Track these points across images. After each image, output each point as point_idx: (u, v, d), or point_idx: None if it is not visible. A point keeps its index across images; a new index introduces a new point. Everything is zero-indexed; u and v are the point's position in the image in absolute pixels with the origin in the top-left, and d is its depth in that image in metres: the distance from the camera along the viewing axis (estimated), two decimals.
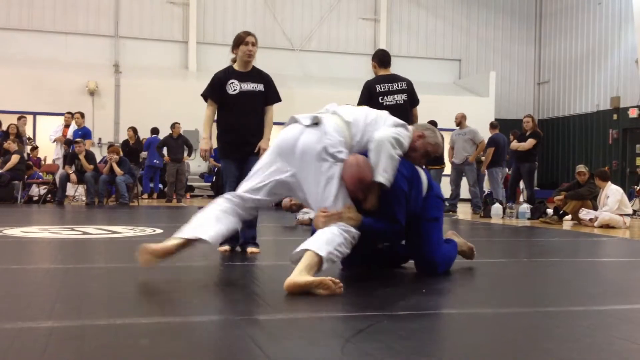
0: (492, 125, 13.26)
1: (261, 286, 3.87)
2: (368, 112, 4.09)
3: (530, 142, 11.67)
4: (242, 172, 5.15)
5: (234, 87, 5.29)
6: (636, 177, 17.13)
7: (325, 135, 3.85)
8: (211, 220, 3.92)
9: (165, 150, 14.89)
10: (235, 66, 5.42)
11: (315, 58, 20.91)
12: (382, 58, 6.88)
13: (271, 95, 5.47)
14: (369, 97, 6.65)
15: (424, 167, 4.31)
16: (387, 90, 6.67)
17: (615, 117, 19.61)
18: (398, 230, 3.94)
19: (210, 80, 5.42)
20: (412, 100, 6.80)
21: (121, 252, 5.52)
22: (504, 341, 2.70)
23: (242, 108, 5.30)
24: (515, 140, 12.28)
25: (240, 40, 5.36)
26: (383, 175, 3.78)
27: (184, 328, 2.74)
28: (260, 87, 5.39)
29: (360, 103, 6.71)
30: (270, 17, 20.56)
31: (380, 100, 6.63)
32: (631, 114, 18.83)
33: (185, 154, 14.92)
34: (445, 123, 12.93)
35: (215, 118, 5.42)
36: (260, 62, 19.46)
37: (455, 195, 12.68)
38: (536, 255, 6.30)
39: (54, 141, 14.83)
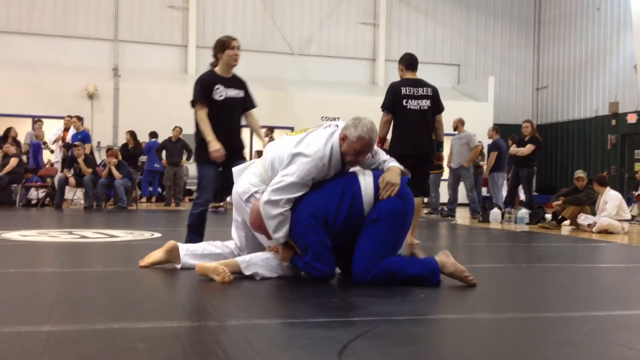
0: (495, 130, 13.30)
1: (258, 292, 3.86)
2: (282, 156, 4.05)
3: (529, 148, 11.68)
4: (226, 176, 5.12)
5: (220, 93, 5.27)
6: (635, 183, 17.14)
7: (239, 182, 4.25)
8: None
9: (163, 154, 14.89)
10: (218, 71, 5.37)
11: (315, 62, 20.94)
12: (409, 62, 6.91)
13: (249, 101, 5.51)
14: (394, 98, 6.67)
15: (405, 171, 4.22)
16: (411, 94, 6.69)
17: (613, 122, 19.64)
18: (311, 262, 3.90)
19: (197, 84, 5.31)
20: (436, 107, 6.82)
21: (119, 256, 5.52)
22: (503, 346, 2.71)
23: (227, 114, 5.31)
24: (514, 145, 12.29)
25: (226, 45, 5.29)
26: (275, 236, 3.96)
27: (182, 333, 2.74)
28: (241, 93, 5.42)
29: (386, 103, 6.74)
30: (269, 21, 20.59)
31: (404, 103, 6.65)
32: (630, 120, 18.85)
33: (185, 157, 14.91)
34: (444, 128, 12.92)
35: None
36: (260, 65, 19.59)
37: (453, 200, 12.70)
38: (535, 260, 6.30)
39: (54, 142, 14.83)
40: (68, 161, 13.26)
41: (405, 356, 2.45)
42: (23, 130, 15.83)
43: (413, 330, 2.94)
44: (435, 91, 6.84)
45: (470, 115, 13.70)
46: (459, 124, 12.76)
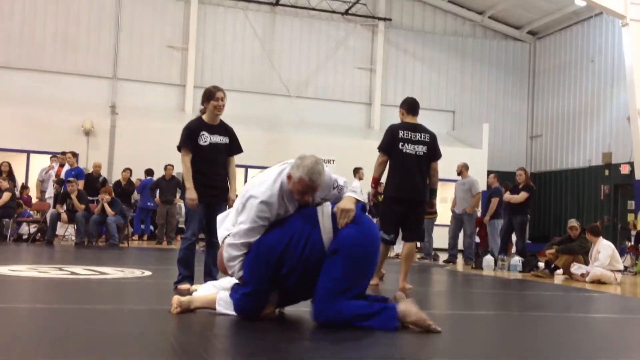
0: (496, 177, 13.29)
1: (247, 333, 3.82)
2: (239, 205, 4.17)
3: (522, 195, 11.71)
4: (208, 218, 5.65)
5: (205, 138, 5.66)
6: (627, 233, 17.16)
7: (220, 229, 4.42)
8: None
9: (157, 192, 14.86)
10: (205, 118, 5.75)
11: (311, 105, 21.10)
12: (410, 105, 6.98)
13: (235, 147, 5.88)
14: (391, 140, 6.72)
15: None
16: (409, 138, 6.74)
17: (607, 172, 19.75)
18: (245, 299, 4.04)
19: (184, 131, 5.70)
20: (433, 154, 6.85)
21: (109, 293, 5.46)
22: None
23: (212, 158, 5.69)
24: (507, 193, 12.33)
25: (211, 96, 5.68)
26: (236, 277, 4.12)
27: None
28: (226, 139, 5.79)
29: (383, 145, 6.79)
30: (267, 63, 20.80)
31: (400, 147, 6.70)
32: (623, 170, 18.96)
33: (178, 196, 14.87)
34: (439, 173, 12.99)
35: None
36: (257, 107, 19.70)
37: (453, 246, 12.66)
38: (527, 308, 6.27)
39: (46, 173, 14.77)
40: (61, 197, 13.22)
41: None
42: (18, 166, 15.83)
43: None
44: (433, 138, 6.88)
45: (465, 161, 13.74)
46: (463, 169, 12.81)
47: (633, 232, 15.69)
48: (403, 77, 22.14)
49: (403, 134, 6.74)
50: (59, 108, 17.91)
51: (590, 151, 20.53)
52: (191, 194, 5.53)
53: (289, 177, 4.05)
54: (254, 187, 4.10)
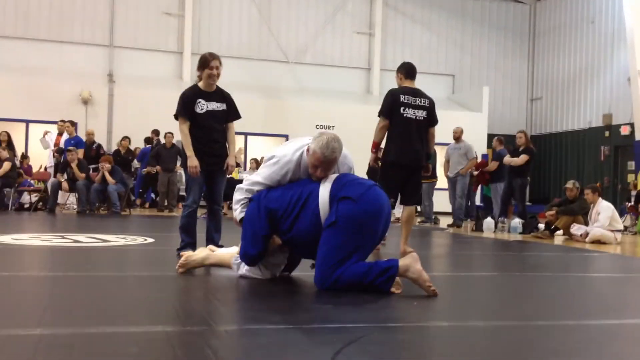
0: (500, 141, 13.34)
1: (251, 298, 3.85)
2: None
3: (522, 158, 11.71)
4: (208, 185, 5.74)
5: (202, 106, 5.64)
6: (627, 194, 17.20)
7: None
8: None
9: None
10: (201, 85, 5.73)
11: (310, 71, 20.97)
12: (408, 70, 6.94)
13: (232, 113, 5.85)
14: (392, 105, 6.69)
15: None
16: (409, 103, 6.72)
17: (607, 134, 19.72)
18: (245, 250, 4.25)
19: (180, 99, 5.69)
20: (431, 119, 6.85)
21: (112, 260, 5.50)
22: (495, 355, 2.70)
23: (209, 125, 5.67)
24: (508, 156, 12.33)
25: (206, 64, 5.64)
26: (237, 217, 4.39)
27: (174, 337, 2.73)
28: (223, 106, 5.76)
29: (384, 109, 6.76)
30: (265, 29, 20.62)
31: (402, 111, 6.67)
32: (623, 132, 18.93)
33: (179, 163, 14.88)
34: (438, 137, 12.99)
35: None
36: (256, 73, 19.58)
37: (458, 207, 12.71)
38: (528, 269, 6.31)
39: (45, 136, 14.72)
40: (61, 166, 13.23)
41: None
42: (17, 135, 15.79)
43: (406, 337, 2.93)
44: (432, 103, 6.86)
45: (465, 125, 13.73)
46: (461, 134, 12.86)
47: (633, 193, 15.74)
48: (402, 41, 21.95)
49: (404, 99, 6.70)
50: (56, 77, 17.81)
51: (591, 113, 20.47)
52: (193, 161, 5.54)
53: (308, 149, 4.17)
54: (280, 149, 4.38)
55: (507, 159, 12.08)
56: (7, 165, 12.99)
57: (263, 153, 16.19)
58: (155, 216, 13.08)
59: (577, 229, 10.10)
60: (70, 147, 13.19)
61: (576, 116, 21.14)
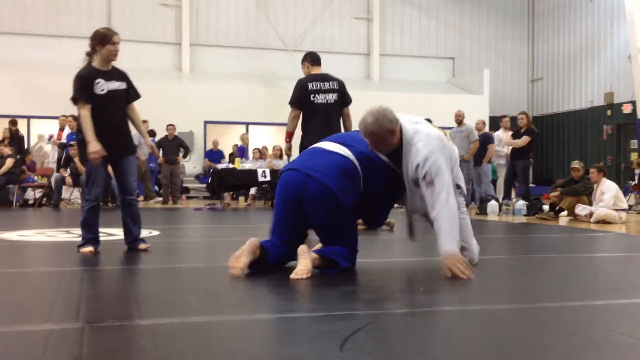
0: (483, 123, 13.43)
1: (259, 287, 3.86)
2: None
3: (524, 139, 11.69)
4: (118, 175, 5.26)
5: (102, 87, 5.15)
6: (631, 173, 17.17)
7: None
8: None
9: (160, 152, 14.86)
10: (96, 64, 5.22)
11: None
12: (313, 58, 7.36)
13: (133, 92, 5.47)
14: (301, 94, 6.95)
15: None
16: (318, 89, 6.98)
17: (609, 113, 19.67)
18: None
19: (77, 81, 5.18)
20: (343, 99, 7.13)
21: (118, 254, 5.50)
22: (504, 337, 2.71)
23: (112, 108, 5.19)
24: (510, 137, 12.32)
25: (107, 39, 5.15)
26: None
27: (184, 329, 2.73)
28: (123, 85, 5.32)
29: (293, 99, 7.03)
30: (263, 17, 20.54)
31: (312, 98, 6.96)
32: (625, 110, 18.87)
33: (181, 155, 14.91)
34: (439, 121, 13.00)
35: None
36: (254, 62, 19.51)
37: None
38: (533, 251, 6.31)
39: (49, 140, 14.78)
40: (64, 161, 13.23)
41: (407, 348, 2.45)
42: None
43: (413, 323, 2.94)
44: (341, 84, 7.16)
45: (466, 108, 13.73)
46: (463, 117, 12.90)
47: (637, 171, 15.71)
48: (401, 25, 21.87)
49: (312, 86, 6.98)
50: (56, 72, 17.74)
51: (592, 92, 20.41)
52: (95, 146, 4.93)
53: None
54: (421, 132, 4.06)
55: (509, 140, 12.07)
56: (10, 162, 13.00)
57: (264, 142, 16.18)
58: (159, 209, 13.09)
59: (581, 209, 10.09)
60: (73, 142, 13.17)
61: (577, 96, 21.08)
